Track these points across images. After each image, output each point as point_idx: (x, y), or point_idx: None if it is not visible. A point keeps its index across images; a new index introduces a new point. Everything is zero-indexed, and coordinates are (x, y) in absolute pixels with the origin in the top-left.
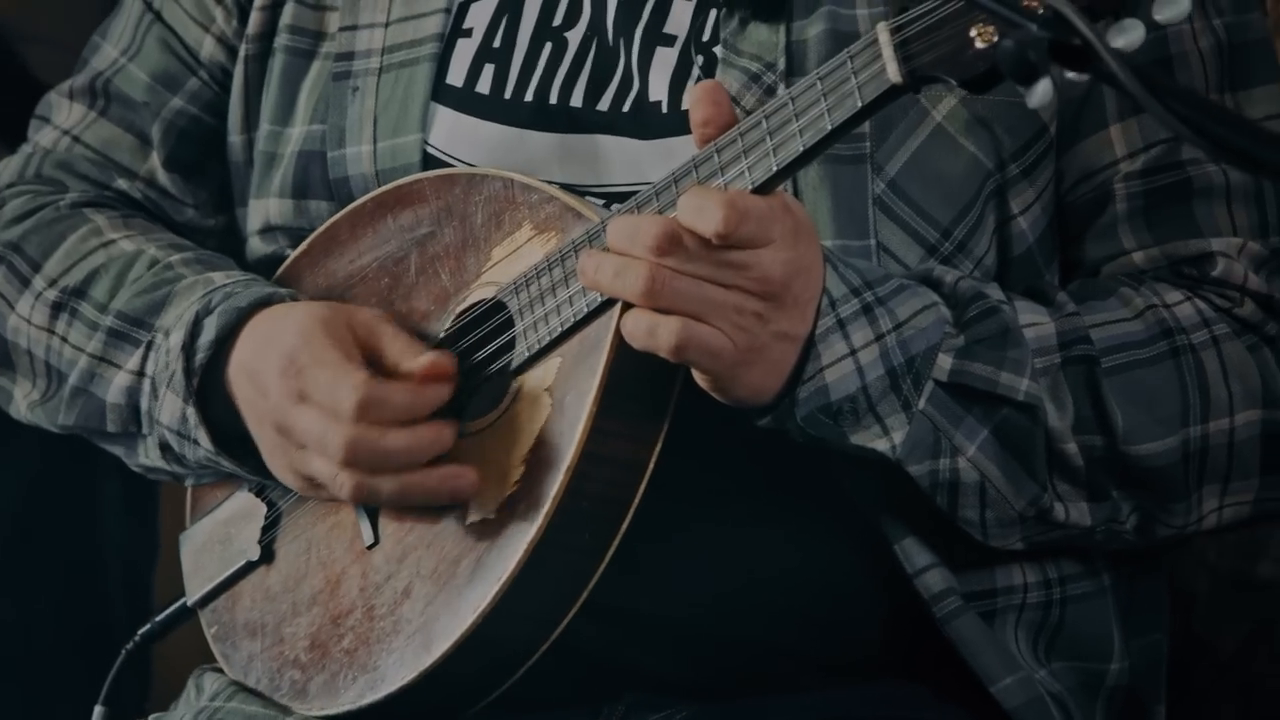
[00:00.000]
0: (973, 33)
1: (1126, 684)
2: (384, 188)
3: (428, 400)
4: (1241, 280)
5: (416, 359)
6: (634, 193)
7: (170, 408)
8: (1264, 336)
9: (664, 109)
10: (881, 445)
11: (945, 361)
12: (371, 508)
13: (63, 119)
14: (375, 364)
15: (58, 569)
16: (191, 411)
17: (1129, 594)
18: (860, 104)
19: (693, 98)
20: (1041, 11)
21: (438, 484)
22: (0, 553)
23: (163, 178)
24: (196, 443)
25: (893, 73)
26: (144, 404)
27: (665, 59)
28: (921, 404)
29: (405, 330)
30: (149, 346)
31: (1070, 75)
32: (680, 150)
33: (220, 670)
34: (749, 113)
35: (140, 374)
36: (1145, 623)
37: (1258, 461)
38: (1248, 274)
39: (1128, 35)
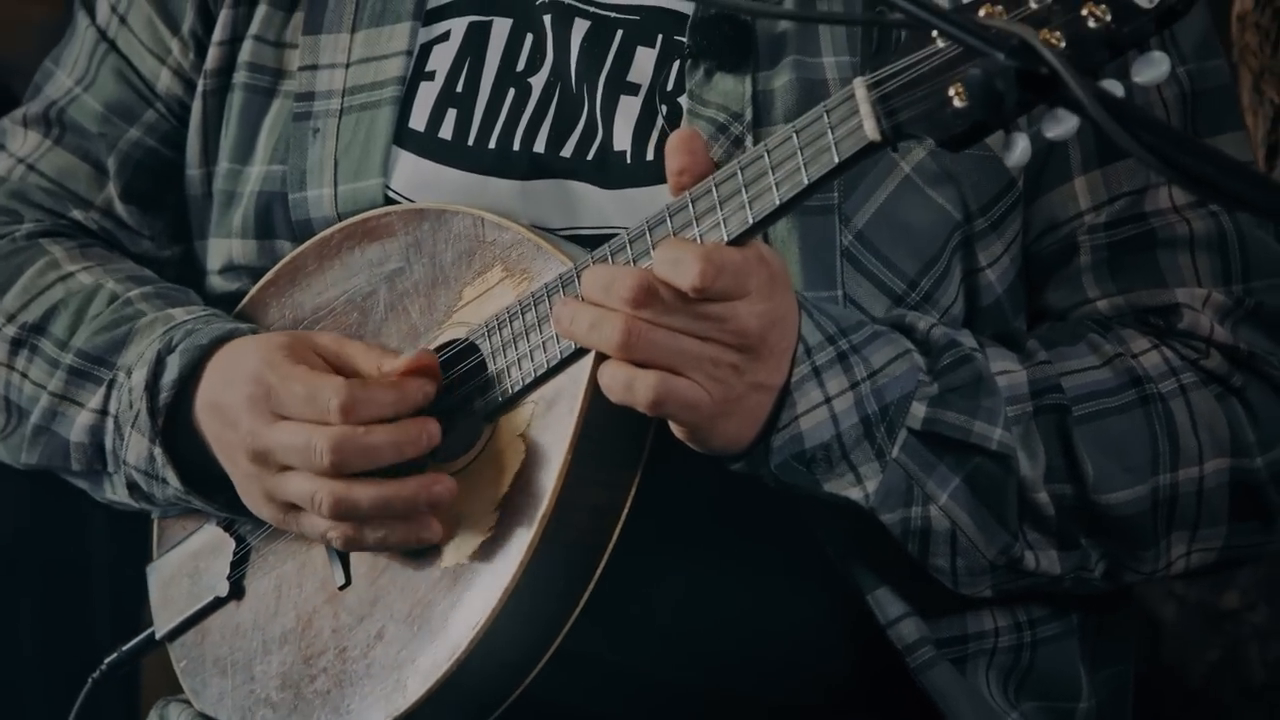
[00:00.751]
0: (950, 92)
1: None
2: (351, 220)
3: (412, 395)
4: (1208, 333)
5: (395, 360)
6: (600, 235)
7: (136, 448)
8: (1230, 388)
9: (628, 159)
10: (855, 494)
11: (919, 410)
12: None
13: (17, 147)
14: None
15: (43, 587)
16: (159, 452)
17: (1096, 631)
18: (837, 160)
19: (669, 145)
20: (1009, 40)
21: (416, 490)
22: None
23: (119, 208)
24: (165, 482)
25: (870, 130)
26: (109, 443)
27: (629, 108)
28: (895, 452)
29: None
30: (111, 385)
31: (1050, 135)
32: (642, 201)
33: (185, 701)
34: (717, 163)
35: (103, 412)
36: (1111, 655)
37: (1226, 509)
38: (1213, 325)
39: None
